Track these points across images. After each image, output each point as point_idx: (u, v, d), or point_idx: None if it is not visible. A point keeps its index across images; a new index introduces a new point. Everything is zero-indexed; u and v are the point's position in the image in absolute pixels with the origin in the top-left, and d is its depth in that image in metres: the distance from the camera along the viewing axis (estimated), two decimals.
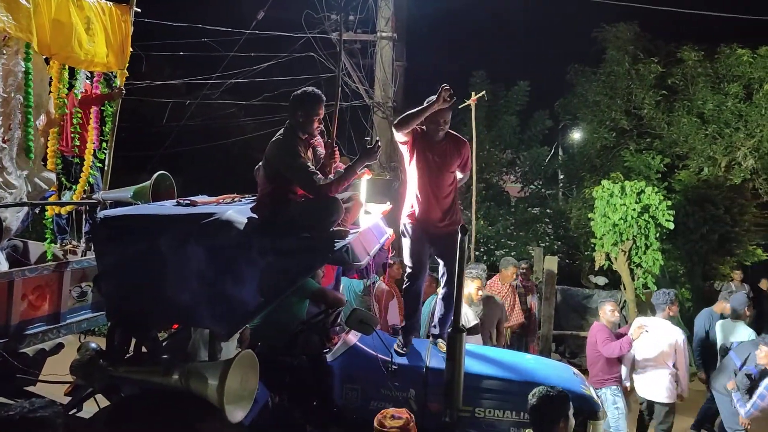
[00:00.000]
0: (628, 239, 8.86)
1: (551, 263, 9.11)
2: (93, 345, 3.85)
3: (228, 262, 3.50)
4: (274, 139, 3.83)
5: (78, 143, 5.53)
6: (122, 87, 5.48)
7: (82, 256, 4.87)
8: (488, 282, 7.12)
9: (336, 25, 10.55)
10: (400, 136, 4.38)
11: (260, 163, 4.25)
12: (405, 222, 4.54)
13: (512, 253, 11.85)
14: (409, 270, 4.56)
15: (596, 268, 10.06)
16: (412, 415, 3.37)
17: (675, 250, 9.77)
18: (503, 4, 15.67)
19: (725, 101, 11.11)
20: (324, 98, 3.91)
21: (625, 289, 9.11)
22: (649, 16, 11.34)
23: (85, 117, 5.58)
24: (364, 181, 4.79)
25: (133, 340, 3.90)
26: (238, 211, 3.72)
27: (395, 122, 4.33)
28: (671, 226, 8.67)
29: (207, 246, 3.51)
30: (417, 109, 4.24)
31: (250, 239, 3.53)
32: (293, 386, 4.15)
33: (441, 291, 4.70)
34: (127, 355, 3.84)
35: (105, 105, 5.61)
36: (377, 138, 3.99)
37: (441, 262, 4.62)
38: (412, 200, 4.50)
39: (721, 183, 10.76)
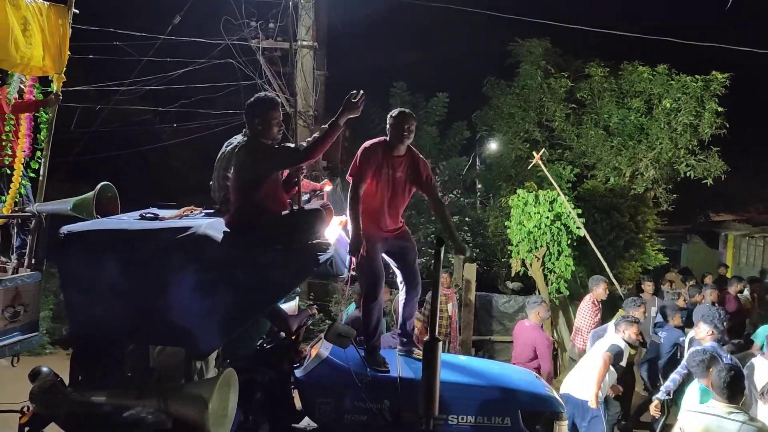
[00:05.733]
0: (541, 246, 9.21)
1: (470, 271, 9.35)
2: (45, 369, 3.59)
3: (207, 278, 3.35)
4: (238, 149, 3.75)
5: (9, 152, 5.18)
6: (59, 92, 5.18)
7: (12, 274, 4.52)
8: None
9: (255, 32, 10.43)
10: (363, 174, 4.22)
11: (212, 182, 4.15)
12: (371, 233, 4.25)
13: (433, 261, 12.05)
14: (369, 285, 4.34)
15: (512, 275, 10.40)
16: None
17: (585, 256, 10.23)
18: (423, 17, 15.98)
19: (629, 115, 11.78)
20: (279, 101, 3.85)
21: (539, 293, 9.45)
22: (559, 32, 11.89)
23: (16, 124, 5.25)
24: (324, 192, 4.75)
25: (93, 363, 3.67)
26: (210, 224, 3.59)
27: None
28: (581, 233, 9.10)
29: (184, 262, 3.36)
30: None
31: (232, 254, 3.40)
32: (264, 403, 4.06)
33: (403, 297, 4.58)
34: (88, 379, 3.61)
35: (39, 111, 5.29)
36: (362, 91, 3.88)
37: (400, 270, 4.53)
38: (368, 211, 4.28)
39: (626, 192, 11.39)
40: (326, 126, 3.79)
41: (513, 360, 6.50)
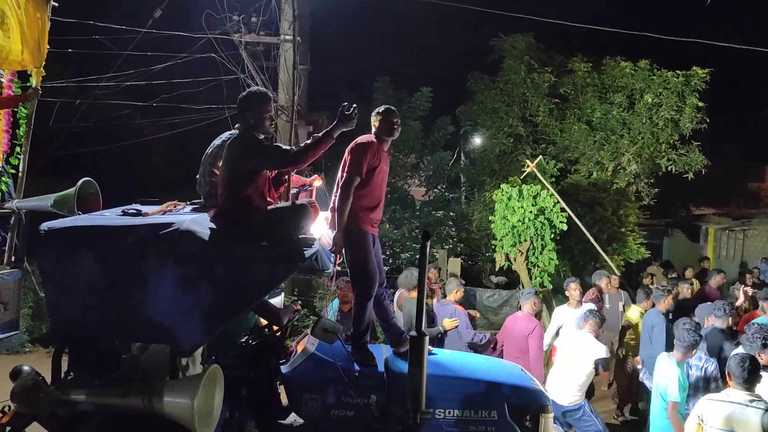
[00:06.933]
0: (525, 240, 9.26)
1: (455, 265, 9.38)
2: (27, 368, 3.51)
3: (191, 274, 3.31)
4: (230, 142, 3.75)
5: None
6: (38, 87, 5.08)
7: None
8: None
9: (237, 26, 10.34)
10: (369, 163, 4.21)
11: (198, 176, 4.12)
12: (363, 230, 4.24)
13: (417, 256, 12.07)
14: (364, 284, 4.25)
15: (497, 269, 10.45)
16: None
17: (568, 250, 10.29)
18: (406, 12, 15.97)
19: (611, 110, 11.88)
20: (271, 96, 3.85)
21: (523, 287, 9.50)
22: (542, 28, 11.94)
23: None
24: (314, 187, 4.72)
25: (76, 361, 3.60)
26: (194, 219, 3.55)
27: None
28: (564, 227, 9.16)
29: (167, 257, 3.32)
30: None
31: (216, 249, 3.38)
32: (250, 399, 4.03)
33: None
34: (71, 378, 3.54)
35: (18, 107, 5.19)
36: (354, 105, 3.89)
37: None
38: (366, 207, 4.27)
39: (609, 186, 11.49)
40: (318, 135, 3.79)
41: (505, 354, 6.51)
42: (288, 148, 3.74)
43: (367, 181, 4.26)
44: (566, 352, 5.85)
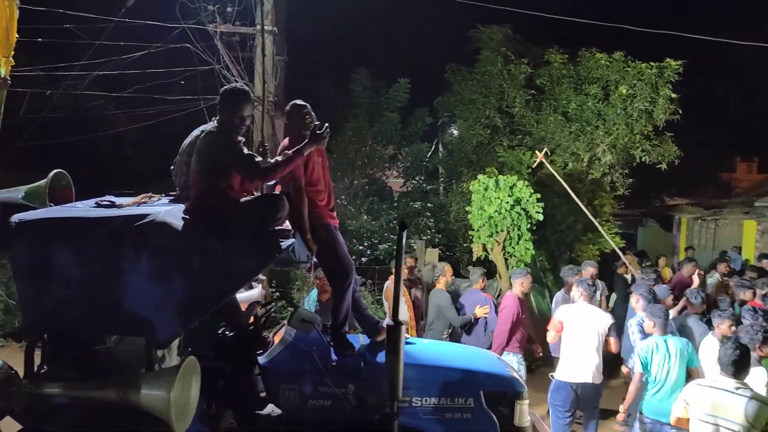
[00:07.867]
0: (502, 230, 9.33)
1: (432, 256, 9.42)
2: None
3: (166, 266, 3.30)
4: (205, 135, 3.73)
5: None
6: (7, 77, 4.98)
7: None
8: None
9: (212, 16, 10.21)
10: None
11: (173, 167, 4.08)
12: (325, 223, 4.27)
13: (395, 247, 12.09)
14: (341, 274, 4.27)
15: (474, 259, 10.52)
16: None
17: (544, 240, 10.38)
18: (384, 3, 15.92)
19: (586, 101, 11.97)
20: (251, 95, 3.87)
21: (500, 278, 9.59)
22: (518, 19, 11.99)
23: None
24: None
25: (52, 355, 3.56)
26: (169, 211, 3.53)
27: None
28: (541, 217, 9.25)
29: (142, 249, 3.30)
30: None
31: (192, 241, 3.35)
32: (227, 390, 4.02)
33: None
34: (44, 371, 3.52)
35: None
36: (326, 124, 3.93)
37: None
38: (318, 201, 4.29)
39: (584, 177, 11.61)
40: (289, 153, 3.83)
41: (495, 335, 6.61)
42: (259, 160, 3.72)
43: (308, 178, 4.25)
44: (573, 327, 5.76)
